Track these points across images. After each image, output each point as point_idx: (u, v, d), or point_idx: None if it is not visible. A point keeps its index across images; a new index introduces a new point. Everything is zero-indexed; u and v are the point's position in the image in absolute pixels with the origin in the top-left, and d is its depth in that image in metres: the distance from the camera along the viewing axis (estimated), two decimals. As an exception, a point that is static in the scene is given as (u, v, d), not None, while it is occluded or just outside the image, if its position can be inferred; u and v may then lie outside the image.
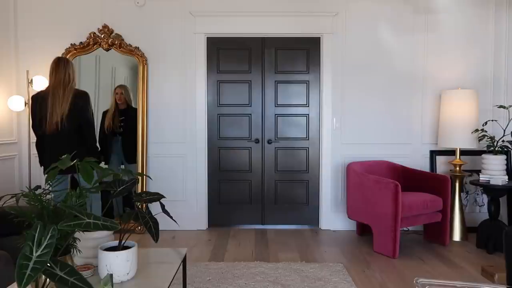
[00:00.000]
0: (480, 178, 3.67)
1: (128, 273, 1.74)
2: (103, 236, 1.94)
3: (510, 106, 3.82)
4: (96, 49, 4.06)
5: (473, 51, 4.18)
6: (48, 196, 1.66)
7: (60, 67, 3.09)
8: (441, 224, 3.65)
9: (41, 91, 3.18)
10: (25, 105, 3.89)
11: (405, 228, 4.09)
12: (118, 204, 3.61)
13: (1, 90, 3.88)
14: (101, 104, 4.10)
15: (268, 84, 4.28)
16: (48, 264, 1.19)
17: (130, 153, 4.11)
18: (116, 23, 4.09)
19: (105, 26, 4.05)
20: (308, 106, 4.29)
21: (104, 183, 1.86)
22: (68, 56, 4.01)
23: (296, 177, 4.33)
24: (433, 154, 4.21)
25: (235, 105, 4.28)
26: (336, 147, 4.22)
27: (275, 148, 4.31)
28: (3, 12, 3.93)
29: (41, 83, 3.88)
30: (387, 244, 3.37)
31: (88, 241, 1.88)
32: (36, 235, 1.20)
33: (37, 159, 4.01)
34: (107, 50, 4.06)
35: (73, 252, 1.61)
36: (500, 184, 3.51)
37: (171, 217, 2.07)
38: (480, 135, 3.76)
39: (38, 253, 1.16)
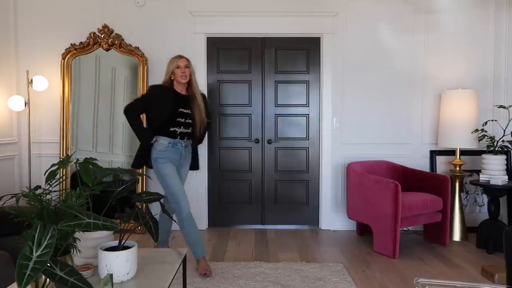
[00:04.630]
0: (480, 178, 3.67)
1: (128, 273, 1.74)
2: (103, 236, 1.94)
3: (510, 106, 3.81)
4: (96, 49, 4.06)
5: (473, 51, 4.18)
6: (48, 196, 1.66)
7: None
8: (441, 224, 3.65)
9: None
10: (25, 105, 3.89)
11: (405, 228, 4.08)
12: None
13: (1, 90, 3.88)
14: (101, 104, 4.10)
15: (268, 84, 4.28)
16: (48, 264, 1.19)
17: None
18: (116, 23, 4.09)
19: (105, 26, 4.04)
20: (308, 106, 4.29)
21: (104, 183, 1.86)
22: (68, 56, 4.02)
23: (296, 177, 4.33)
24: (433, 154, 4.21)
25: (235, 105, 4.28)
26: (336, 147, 4.22)
27: (275, 148, 4.31)
28: (3, 12, 3.93)
29: (41, 83, 3.88)
30: (387, 244, 3.37)
31: (88, 241, 1.88)
32: (36, 235, 1.20)
33: (37, 159, 4.07)
34: (107, 50, 4.06)
35: (73, 252, 1.61)
36: (500, 184, 3.51)
37: (171, 217, 2.08)
38: (480, 135, 3.76)
39: (38, 253, 1.16)
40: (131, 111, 3.04)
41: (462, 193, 4.01)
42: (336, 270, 3.07)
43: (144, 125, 3.14)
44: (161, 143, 2.99)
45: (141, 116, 3.11)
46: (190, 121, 3.07)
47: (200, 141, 3.25)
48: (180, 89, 3.09)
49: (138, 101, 3.12)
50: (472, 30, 4.17)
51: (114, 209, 1.83)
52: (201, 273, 2.93)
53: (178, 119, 3.02)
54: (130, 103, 3.12)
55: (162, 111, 2.97)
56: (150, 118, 3.06)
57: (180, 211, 2.93)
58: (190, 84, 3.09)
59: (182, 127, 3.04)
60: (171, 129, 3.00)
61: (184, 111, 3.05)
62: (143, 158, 3.05)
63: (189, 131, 3.09)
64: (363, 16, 4.17)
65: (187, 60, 3.09)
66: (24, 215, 1.56)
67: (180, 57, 3.09)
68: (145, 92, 3.11)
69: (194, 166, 3.27)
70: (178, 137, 3.03)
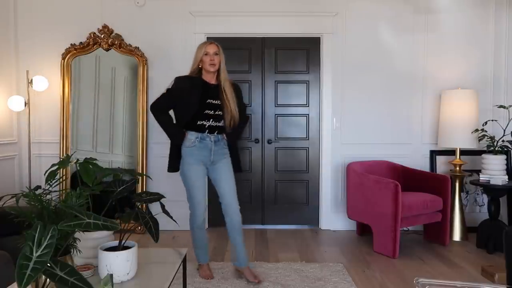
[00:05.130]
0: (480, 178, 3.67)
1: (128, 273, 1.74)
2: (103, 236, 1.94)
3: (510, 106, 3.81)
4: (96, 49, 4.06)
5: (473, 51, 4.18)
6: (48, 196, 1.66)
7: None
8: (441, 224, 3.65)
9: None
10: (25, 105, 3.88)
11: (405, 228, 4.08)
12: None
13: (1, 90, 3.88)
14: (101, 104, 4.10)
15: (268, 84, 4.28)
16: (48, 264, 1.19)
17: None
18: (116, 23, 4.09)
19: (105, 26, 4.04)
20: (308, 106, 4.28)
21: (104, 183, 1.86)
22: (68, 56, 4.01)
23: (296, 177, 4.32)
24: (433, 154, 4.21)
25: (235, 105, 4.27)
26: (336, 147, 4.22)
27: (275, 148, 4.31)
28: (3, 12, 3.93)
29: (41, 83, 3.88)
30: (387, 244, 3.37)
31: (88, 241, 1.88)
32: (36, 235, 1.20)
33: (37, 159, 4.07)
34: (107, 50, 4.06)
35: (73, 252, 1.61)
36: (500, 184, 3.51)
37: (171, 217, 2.07)
38: (480, 135, 3.76)
39: (38, 253, 1.16)
40: (157, 110, 2.82)
41: (462, 193, 4.01)
42: (336, 270, 3.07)
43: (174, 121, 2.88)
44: (189, 138, 2.77)
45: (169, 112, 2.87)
46: (220, 113, 2.81)
47: (236, 136, 2.98)
48: (209, 78, 2.82)
49: (164, 96, 2.84)
50: (472, 30, 4.17)
51: (114, 209, 1.83)
52: (202, 277, 2.92)
53: (207, 111, 2.76)
54: (156, 100, 2.86)
55: (190, 105, 2.71)
56: (178, 113, 2.82)
57: (193, 219, 2.93)
58: (219, 72, 2.83)
59: (211, 120, 2.78)
60: (199, 122, 2.76)
61: (213, 102, 2.78)
62: (178, 159, 2.85)
63: (220, 124, 2.84)
64: (363, 16, 4.17)
65: (217, 46, 2.81)
66: (24, 215, 1.56)
67: (209, 43, 2.82)
68: (171, 85, 2.80)
69: (236, 167, 3.01)
70: (207, 131, 2.79)
